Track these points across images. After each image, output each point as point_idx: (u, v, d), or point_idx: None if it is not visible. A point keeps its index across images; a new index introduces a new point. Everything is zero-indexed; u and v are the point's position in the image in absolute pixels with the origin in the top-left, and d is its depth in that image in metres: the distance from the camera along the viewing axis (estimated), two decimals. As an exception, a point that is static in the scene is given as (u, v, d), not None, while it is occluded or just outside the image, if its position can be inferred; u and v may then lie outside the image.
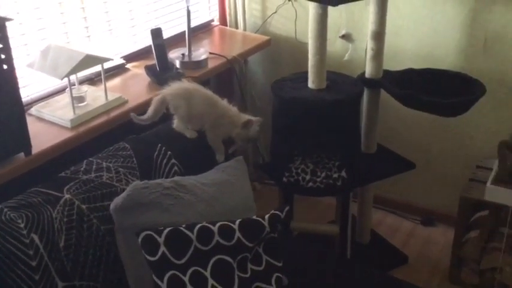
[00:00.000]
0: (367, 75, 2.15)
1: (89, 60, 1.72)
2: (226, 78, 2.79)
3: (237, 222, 1.39)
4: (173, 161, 1.61)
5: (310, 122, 1.98)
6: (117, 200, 1.35)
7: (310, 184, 2.03)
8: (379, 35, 2.06)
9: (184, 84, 1.77)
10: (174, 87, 1.73)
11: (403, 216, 2.76)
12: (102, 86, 1.86)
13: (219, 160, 1.73)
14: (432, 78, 2.16)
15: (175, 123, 1.75)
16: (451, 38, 2.31)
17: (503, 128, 2.31)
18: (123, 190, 1.40)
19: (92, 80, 2.05)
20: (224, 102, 1.78)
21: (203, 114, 1.72)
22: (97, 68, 1.88)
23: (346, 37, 2.23)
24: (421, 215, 2.73)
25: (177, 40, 2.41)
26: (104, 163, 1.51)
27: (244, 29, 2.76)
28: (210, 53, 2.34)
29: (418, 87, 2.07)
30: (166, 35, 2.21)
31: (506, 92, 2.28)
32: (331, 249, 2.19)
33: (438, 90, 2.08)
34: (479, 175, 2.24)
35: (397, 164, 2.23)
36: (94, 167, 1.49)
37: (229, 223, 1.38)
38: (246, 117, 1.74)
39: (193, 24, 2.33)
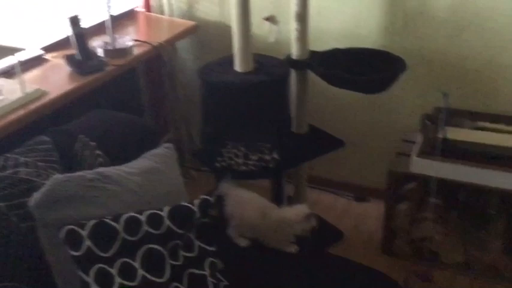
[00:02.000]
0: (293, 56, 2.16)
1: (-2, 51, 1.62)
2: (155, 66, 2.72)
3: (166, 209, 1.36)
4: (97, 151, 1.55)
5: (238, 106, 1.97)
6: (37, 195, 1.28)
7: (243, 168, 2.03)
8: (302, 16, 2.07)
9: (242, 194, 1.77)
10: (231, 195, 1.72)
11: (337, 193, 2.83)
12: (19, 79, 1.76)
13: (292, 251, 1.72)
14: (357, 57, 2.20)
15: (229, 230, 1.73)
16: (372, 16, 2.36)
17: (425, 102, 2.40)
18: (44, 185, 1.34)
19: (8, 73, 1.94)
20: (277, 208, 1.76)
21: (257, 225, 1.71)
22: (14, 60, 1.78)
23: (271, 19, 2.23)
24: (354, 191, 2.80)
25: (101, 29, 2.33)
26: (22, 158, 1.43)
27: (171, 15, 2.70)
28: (135, 40, 2.27)
29: (343, 66, 2.11)
30: (88, 23, 2.13)
31: (426, 67, 2.37)
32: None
33: (363, 68, 2.12)
34: (405, 149, 2.32)
35: (328, 142, 2.27)
36: (11, 163, 1.41)
37: (157, 211, 1.35)
38: (301, 211, 1.74)
39: (116, 11, 2.25)
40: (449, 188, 2.40)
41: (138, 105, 2.73)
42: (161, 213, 1.35)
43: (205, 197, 1.44)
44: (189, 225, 1.39)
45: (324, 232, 2.51)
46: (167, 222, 1.34)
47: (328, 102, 2.63)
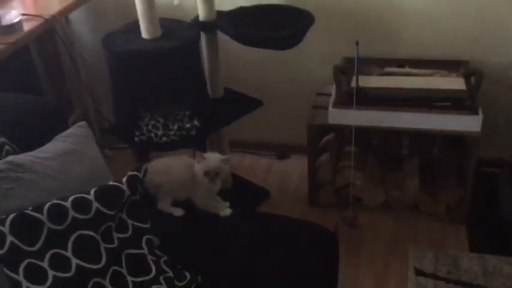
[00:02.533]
0: (201, 18, 2.08)
1: None
2: (49, 41, 2.51)
3: (92, 192, 1.27)
4: (2, 139, 1.40)
5: (150, 74, 1.88)
6: None
7: (164, 139, 1.95)
8: (206, -25, 1.99)
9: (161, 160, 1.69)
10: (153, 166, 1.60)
11: (259, 154, 2.84)
12: None
13: (227, 214, 1.65)
14: (264, 14, 2.17)
15: (159, 204, 1.63)
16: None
17: (334, 53, 2.44)
18: None
19: None
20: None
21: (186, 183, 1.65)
22: None
23: (173, -19, 2.13)
24: (275, 150, 2.83)
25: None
26: None
27: (60, -16, 2.48)
28: (23, 15, 2.06)
29: (251, 24, 2.07)
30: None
31: (333, 19, 2.40)
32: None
33: (271, 25, 2.10)
34: (320, 101, 2.36)
35: (246, 104, 2.25)
36: None
37: (83, 195, 1.25)
38: (216, 156, 1.66)
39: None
40: (363, 135, 2.49)
41: (36, 85, 2.50)
42: (88, 196, 1.25)
43: (133, 173, 1.36)
44: (120, 205, 1.31)
45: (251, 193, 2.52)
46: (95, 204, 1.25)
47: (240, 63, 2.60)
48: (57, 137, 1.46)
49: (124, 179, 1.33)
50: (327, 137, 2.56)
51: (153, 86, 1.90)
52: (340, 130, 2.52)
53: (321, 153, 2.50)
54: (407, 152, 2.54)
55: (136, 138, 1.94)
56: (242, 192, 2.52)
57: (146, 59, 1.83)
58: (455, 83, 2.11)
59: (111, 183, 1.32)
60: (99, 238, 1.25)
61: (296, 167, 2.73)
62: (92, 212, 1.24)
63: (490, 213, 2.21)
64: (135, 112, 1.94)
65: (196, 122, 1.97)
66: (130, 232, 1.34)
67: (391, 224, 2.29)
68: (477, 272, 2.00)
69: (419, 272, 2.02)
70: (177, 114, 1.98)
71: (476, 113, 2.01)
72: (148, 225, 1.39)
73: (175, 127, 1.95)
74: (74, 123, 2.82)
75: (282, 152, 2.81)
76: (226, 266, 1.47)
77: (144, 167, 1.39)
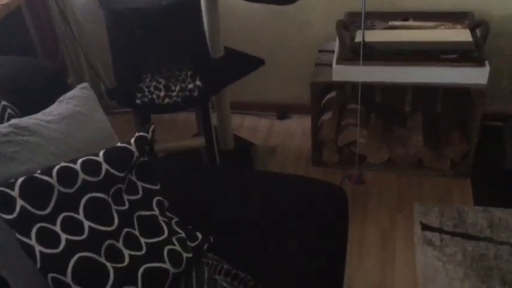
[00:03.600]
0: (199, -26, 2.00)
1: None
2: (41, 4, 2.43)
3: (101, 154, 1.23)
4: (3, 103, 1.35)
5: (150, 34, 1.81)
6: None
7: (167, 100, 1.90)
8: None
9: None
10: None
11: (259, 115, 2.81)
12: None
13: None
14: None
15: None
16: None
17: (336, 8, 2.38)
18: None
19: None
20: None
21: None
22: None
23: None
24: (275, 110, 2.80)
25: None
26: None
27: None
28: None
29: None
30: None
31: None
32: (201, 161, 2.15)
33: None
34: (323, 59, 2.31)
35: (248, 63, 2.19)
36: None
37: (92, 157, 1.22)
38: None
39: None
40: (366, 93, 2.46)
41: (29, 50, 2.43)
42: (97, 158, 1.22)
43: (141, 133, 1.32)
44: (129, 167, 1.28)
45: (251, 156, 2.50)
46: (105, 166, 1.22)
47: (241, 21, 2.54)
48: (61, 98, 1.41)
49: (132, 140, 1.30)
50: (329, 96, 2.52)
51: (153, 45, 1.84)
52: (343, 88, 2.49)
53: (323, 112, 2.47)
54: (410, 108, 2.51)
55: (138, 101, 1.89)
56: (245, 152, 2.50)
57: (145, 16, 1.77)
58: (461, 34, 2.07)
59: (119, 144, 1.29)
60: (110, 200, 1.22)
61: (298, 127, 2.71)
62: (102, 174, 1.21)
63: (494, 166, 2.21)
64: (135, 74, 1.89)
65: (198, 82, 1.93)
66: (140, 194, 1.31)
67: (396, 181, 2.29)
68: (483, 224, 2.01)
69: (425, 227, 2.03)
70: (178, 75, 1.93)
71: (483, 65, 1.97)
72: (158, 187, 1.36)
73: (178, 88, 1.91)
74: (73, 85, 2.78)
75: (283, 112, 2.78)
76: (237, 225, 1.46)
77: (151, 128, 1.35)
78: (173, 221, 1.37)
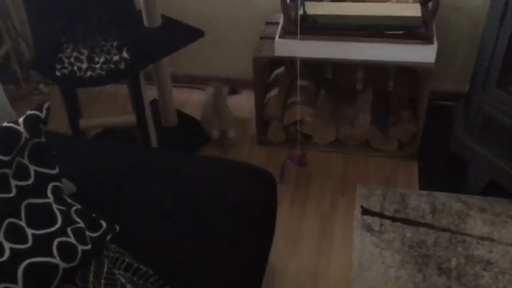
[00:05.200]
0: None
1: None
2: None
3: (-19, 133, 1.10)
4: None
5: (70, 1, 1.65)
6: None
7: (89, 73, 1.75)
8: None
9: None
10: None
11: (207, 90, 2.66)
12: None
13: None
14: None
15: None
16: None
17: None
18: None
19: None
20: None
21: None
22: None
23: None
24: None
25: None
26: None
27: None
28: None
29: None
30: None
31: None
32: (133, 142, 2.01)
33: None
34: (268, 32, 2.18)
35: (185, 34, 2.05)
36: None
37: (-32, 138, 1.08)
38: None
39: None
40: (316, 69, 2.34)
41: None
42: (-27, 139, 1.08)
43: (33, 112, 1.18)
44: (16, 149, 1.14)
45: (197, 132, 2.38)
46: (-16, 149, 1.08)
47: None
48: None
49: (21, 119, 1.16)
50: (278, 71, 2.40)
51: (73, 11, 1.69)
52: (291, 63, 2.36)
53: (271, 88, 2.35)
54: (362, 86, 2.40)
55: (57, 73, 1.74)
56: (188, 131, 2.38)
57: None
58: (410, 9, 1.95)
59: (4, 124, 1.14)
60: (-9, 187, 1.09)
61: (247, 103, 2.58)
62: (-20, 158, 1.08)
63: (442, 149, 2.13)
64: (54, 42, 1.73)
65: (125, 54, 1.78)
66: (32, 179, 1.18)
67: (341, 162, 2.20)
68: (425, 209, 1.94)
69: (365, 211, 1.95)
70: (104, 45, 1.78)
71: (431, 42, 1.86)
72: (55, 171, 1.23)
73: (102, 60, 1.76)
74: (3, 57, 2.59)
75: (232, 87, 2.64)
76: (151, 213, 1.34)
77: (45, 105, 1.21)
78: (73, 208, 1.24)
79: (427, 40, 1.85)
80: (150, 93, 2.12)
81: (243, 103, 2.59)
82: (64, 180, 1.36)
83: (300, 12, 1.90)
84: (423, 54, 1.87)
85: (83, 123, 1.90)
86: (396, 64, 1.95)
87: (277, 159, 2.21)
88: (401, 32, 1.85)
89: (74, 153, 1.54)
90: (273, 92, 2.28)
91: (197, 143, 2.30)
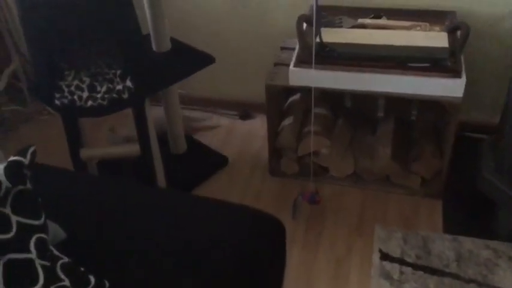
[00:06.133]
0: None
1: None
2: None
3: (-46, 185, 0.99)
4: None
5: (70, 24, 1.55)
6: None
7: (90, 102, 1.65)
8: None
9: None
10: None
11: (220, 113, 2.55)
12: None
13: None
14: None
15: None
16: None
17: (303, 1, 2.11)
18: None
19: None
20: None
21: None
22: None
23: None
24: (238, 109, 2.54)
25: None
26: None
27: None
28: None
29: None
30: None
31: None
32: (137, 172, 1.90)
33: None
34: (283, 57, 2.05)
35: (195, 60, 1.93)
36: None
37: None
38: None
39: None
40: (334, 96, 2.21)
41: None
42: None
43: (15, 158, 1.08)
44: (-5, 200, 1.03)
45: (207, 159, 2.26)
46: (-43, 203, 0.98)
47: (191, 12, 2.27)
48: None
49: (1, 167, 1.05)
50: (293, 98, 2.27)
51: (74, 37, 1.58)
52: (308, 91, 2.23)
53: (286, 115, 2.22)
54: (383, 114, 2.26)
55: (57, 101, 1.64)
56: (198, 159, 2.26)
57: (61, 5, 1.50)
58: (436, 39, 1.80)
59: (-18, 172, 1.04)
60: (-36, 244, 0.98)
61: (261, 129, 2.44)
62: (-48, 213, 0.97)
63: (469, 187, 1.96)
64: (54, 69, 1.63)
65: (128, 83, 1.67)
66: (14, 232, 1.07)
67: (359, 198, 2.05)
68: (450, 257, 1.78)
69: (384, 256, 1.80)
70: (107, 73, 1.67)
71: (459, 76, 1.71)
72: (41, 221, 1.12)
73: (104, 89, 1.65)
74: (10, 76, 2.52)
75: (246, 111, 2.53)
76: (144, 263, 1.22)
77: (30, 150, 1.10)
78: (59, 262, 1.12)
79: (455, 74, 1.70)
80: (157, 112, 2.01)
81: (256, 128, 2.46)
82: (54, 225, 1.26)
83: (317, 40, 1.77)
84: (450, 88, 1.72)
85: (84, 153, 1.80)
86: (419, 97, 1.80)
87: (289, 193, 2.08)
88: (426, 64, 1.71)
89: (68, 192, 1.43)
90: (288, 121, 2.15)
91: (206, 173, 2.18)
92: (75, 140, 1.79)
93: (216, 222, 1.34)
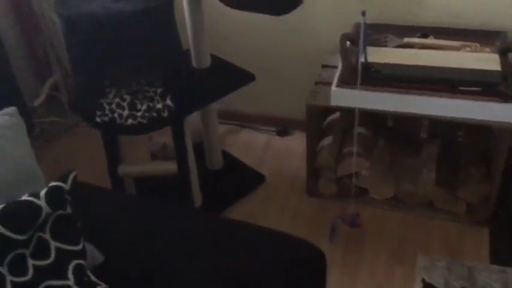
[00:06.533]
0: (180, -27, 1.72)
1: None
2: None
3: (-5, 210, 0.98)
4: None
5: (111, 43, 1.55)
6: None
7: (130, 121, 1.64)
8: None
9: None
10: None
11: (257, 129, 2.52)
12: None
13: None
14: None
15: None
16: None
17: (346, 16, 2.05)
18: None
19: None
20: None
21: None
22: None
23: None
24: (276, 125, 2.50)
25: None
26: None
27: None
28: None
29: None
30: None
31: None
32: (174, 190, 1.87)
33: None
34: (324, 76, 2.00)
35: (235, 77, 1.91)
36: None
37: (-19, 215, 0.97)
38: None
39: None
40: (375, 116, 2.14)
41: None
42: (-13, 217, 0.97)
43: (56, 183, 1.07)
44: (34, 226, 1.02)
45: (244, 177, 2.23)
46: (-3, 229, 0.97)
47: (231, 28, 2.25)
48: (-27, 128, 1.17)
49: (42, 193, 1.04)
50: (333, 116, 2.21)
51: (115, 55, 1.58)
52: (348, 111, 2.17)
53: (325, 134, 2.17)
54: (427, 135, 2.18)
55: (97, 119, 1.64)
56: (234, 176, 2.23)
57: (103, 23, 1.50)
58: (487, 61, 1.71)
59: (23, 198, 1.03)
60: (5, 271, 0.97)
61: (298, 146, 2.40)
62: (-8, 238, 0.96)
63: (519, 216, 1.87)
64: (95, 87, 1.63)
65: (169, 102, 1.66)
66: (52, 257, 1.06)
67: (400, 223, 1.97)
68: (497, 290, 1.69)
69: (427, 286, 1.72)
70: (147, 92, 1.67)
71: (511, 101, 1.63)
72: (79, 247, 1.11)
73: (144, 107, 1.64)
74: (51, 87, 2.54)
75: (283, 127, 2.48)
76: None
77: (71, 175, 1.09)
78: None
79: (507, 99, 1.62)
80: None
81: (293, 146, 2.42)
82: (91, 248, 1.24)
83: (361, 59, 1.71)
84: (501, 113, 1.64)
85: (121, 169, 1.80)
86: (468, 122, 1.72)
87: (327, 214, 2.03)
88: (477, 88, 1.63)
89: (105, 213, 1.42)
90: (327, 140, 2.10)
91: (242, 191, 2.14)
92: (113, 157, 1.79)
93: (256, 250, 1.30)
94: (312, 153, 2.05)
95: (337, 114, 2.19)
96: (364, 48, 1.68)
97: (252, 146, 2.44)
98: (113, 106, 1.64)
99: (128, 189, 1.96)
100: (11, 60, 2.20)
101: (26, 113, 2.35)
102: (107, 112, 1.64)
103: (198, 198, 2.01)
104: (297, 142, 2.42)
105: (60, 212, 1.08)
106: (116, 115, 1.64)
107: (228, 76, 1.91)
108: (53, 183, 1.07)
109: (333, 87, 1.80)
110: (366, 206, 2.04)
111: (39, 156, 2.34)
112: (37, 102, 2.50)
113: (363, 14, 1.53)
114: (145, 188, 2.04)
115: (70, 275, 1.07)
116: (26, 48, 2.44)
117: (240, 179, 2.23)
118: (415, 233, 1.93)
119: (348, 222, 1.87)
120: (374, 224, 1.98)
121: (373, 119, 2.16)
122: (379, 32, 1.95)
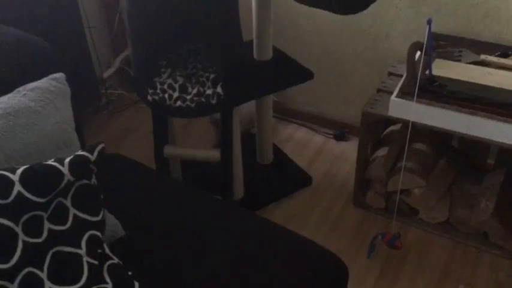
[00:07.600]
0: (251, -39, 1.69)
1: None
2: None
3: (19, 171, 1.01)
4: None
5: (173, 23, 1.55)
6: None
7: (179, 103, 1.64)
8: None
9: None
10: None
11: (314, 129, 2.45)
12: None
13: None
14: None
15: None
16: None
17: (422, 24, 1.94)
18: None
19: None
20: None
21: None
22: None
23: None
24: (334, 128, 2.42)
25: None
26: None
27: None
28: None
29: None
30: None
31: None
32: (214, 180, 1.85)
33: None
34: (388, 84, 1.90)
35: (294, 73, 1.86)
36: None
37: (5, 172, 1.00)
38: None
39: None
40: (440, 133, 2.00)
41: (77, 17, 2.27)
42: (10, 175, 1.00)
43: (81, 153, 1.08)
44: (55, 192, 1.04)
45: (291, 176, 2.18)
46: (17, 188, 0.99)
47: (298, 22, 2.19)
48: (20, 88, 1.21)
49: (67, 160, 1.06)
50: (393, 127, 2.10)
51: (173, 34, 1.58)
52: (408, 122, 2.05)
53: (381, 145, 2.06)
54: (494, 162, 2.01)
55: (149, 97, 1.65)
56: (281, 173, 2.18)
57: (165, 3, 1.50)
58: None
59: (48, 162, 1.05)
60: (18, 230, 1.00)
61: (353, 153, 2.29)
62: (12, 197, 0.98)
63: None
64: (152, 66, 1.64)
65: (219, 89, 1.63)
66: (69, 224, 1.07)
67: (447, 251, 1.84)
68: None
69: (463, 324, 1.59)
70: (201, 76, 1.66)
71: None
72: (98, 218, 1.12)
73: (194, 91, 1.63)
74: (123, 61, 2.61)
75: (341, 132, 2.40)
76: (192, 280, 1.17)
77: (99, 147, 1.10)
78: (108, 263, 1.11)
79: None
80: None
81: (348, 152, 2.33)
82: (115, 222, 1.26)
83: (426, 72, 1.60)
84: None
85: (166, 150, 1.80)
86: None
87: (370, 228, 1.93)
88: (552, 118, 1.47)
89: (139, 191, 1.43)
90: (382, 151, 2.00)
91: (287, 190, 2.10)
92: (160, 137, 1.80)
93: (274, 254, 1.25)
94: (362, 162, 1.96)
95: (398, 126, 2.08)
96: (430, 60, 1.56)
97: (306, 145, 2.38)
98: (165, 86, 1.65)
99: (173, 172, 1.97)
100: (85, 28, 2.28)
101: (94, 82, 2.45)
102: (158, 91, 1.65)
103: (239, 191, 1.99)
104: (352, 149, 2.33)
105: (84, 181, 1.09)
106: (166, 95, 1.64)
107: (286, 71, 1.86)
108: (78, 152, 1.08)
109: (392, 97, 1.70)
110: (413, 227, 1.92)
111: (99, 126, 2.44)
112: (107, 73, 2.58)
113: (429, 22, 1.42)
114: (191, 173, 2.05)
115: (83, 245, 1.07)
116: (102, 18, 2.52)
117: (287, 178, 2.18)
118: (460, 264, 1.79)
119: (387, 241, 1.76)
120: (419, 247, 1.86)
121: (438, 136, 2.03)
122: (455, 45, 1.82)
